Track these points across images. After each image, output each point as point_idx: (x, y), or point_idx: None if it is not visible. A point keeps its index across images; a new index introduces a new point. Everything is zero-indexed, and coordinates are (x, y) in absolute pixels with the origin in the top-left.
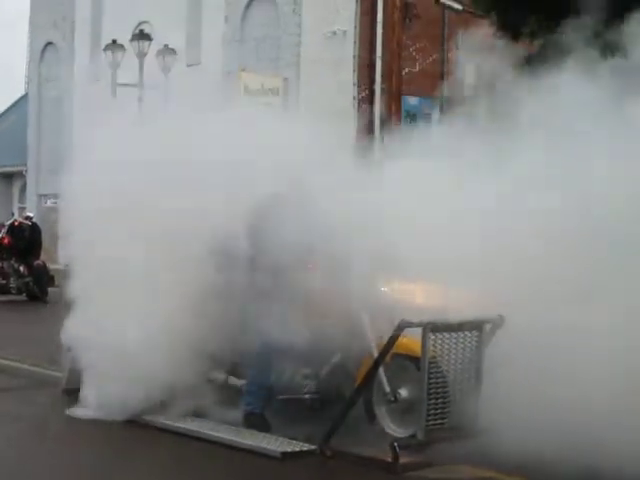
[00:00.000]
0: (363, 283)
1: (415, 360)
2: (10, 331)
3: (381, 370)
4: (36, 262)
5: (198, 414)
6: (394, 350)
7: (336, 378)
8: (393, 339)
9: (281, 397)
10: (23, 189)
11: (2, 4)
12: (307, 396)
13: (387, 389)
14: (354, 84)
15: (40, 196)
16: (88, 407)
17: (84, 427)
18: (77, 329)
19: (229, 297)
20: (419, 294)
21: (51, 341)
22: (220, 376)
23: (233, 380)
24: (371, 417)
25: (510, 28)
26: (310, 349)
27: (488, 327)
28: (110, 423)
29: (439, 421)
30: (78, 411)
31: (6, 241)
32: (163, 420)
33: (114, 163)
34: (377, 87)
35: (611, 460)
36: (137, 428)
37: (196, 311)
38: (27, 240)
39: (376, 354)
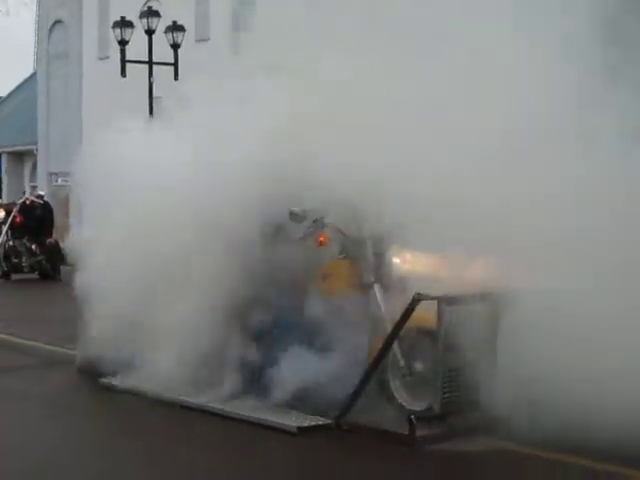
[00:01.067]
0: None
1: (428, 333)
2: (23, 310)
3: (395, 344)
4: (48, 240)
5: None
6: (407, 323)
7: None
8: (408, 312)
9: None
10: (34, 168)
11: None
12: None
13: (402, 363)
14: None
15: (51, 174)
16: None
17: (101, 405)
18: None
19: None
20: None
21: (65, 319)
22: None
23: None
24: (386, 391)
25: None
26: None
27: (502, 299)
28: (129, 399)
29: (455, 393)
30: (115, 381)
31: (18, 220)
32: (181, 397)
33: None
34: None
35: (624, 433)
36: (154, 405)
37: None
38: (39, 219)
39: (389, 328)
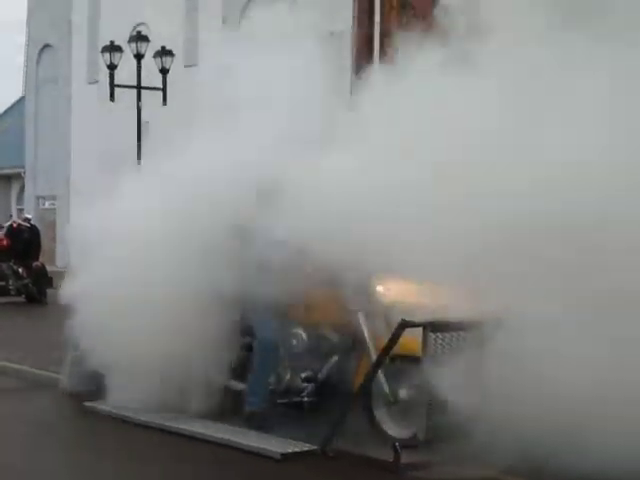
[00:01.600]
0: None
1: (413, 360)
2: (9, 333)
3: (380, 371)
4: (35, 264)
5: (200, 415)
6: (393, 350)
7: (335, 380)
8: (394, 338)
9: (280, 401)
10: (21, 191)
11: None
12: (306, 399)
13: (387, 390)
14: (351, 84)
15: (38, 198)
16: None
17: (84, 427)
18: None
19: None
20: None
21: (50, 343)
22: (220, 379)
23: (233, 383)
24: (371, 419)
25: None
26: (308, 350)
27: (488, 326)
28: (114, 423)
29: (440, 421)
30: (99, 404)
31: (5, 243)
32: (163, 421)
33: None
34: None
35: (611, 461)
36: (137, 429)
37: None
38: (26, 242)
39: (374, 355)
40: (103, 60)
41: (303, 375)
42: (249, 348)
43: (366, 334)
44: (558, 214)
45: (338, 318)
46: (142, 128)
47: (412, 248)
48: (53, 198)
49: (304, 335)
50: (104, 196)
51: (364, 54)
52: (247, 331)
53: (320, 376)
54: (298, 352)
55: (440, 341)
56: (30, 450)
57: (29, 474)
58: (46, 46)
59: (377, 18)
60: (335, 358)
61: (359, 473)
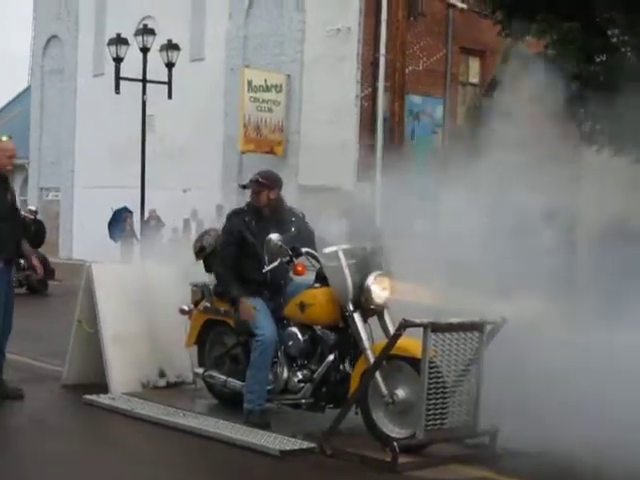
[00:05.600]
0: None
1: (410, 361)
2: None
3: (377, 372)
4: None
5: (199, 411)
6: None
7: (331, 380)
8: (394, 339)
9: (277, 402)
10: (25, 182)
11: None
12: (303, 400)
13: (384, 391)
14: (357, 82)
15: (42, 189)
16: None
17: (84, 421)
18: None
19: None
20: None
21: (52, 335)
22: (219, 376)
23: (232, 381)
24: (368, 419)
25: (516, 27)
26: (304, 349)
27: (489, 328)
28: (110, 416)
29: (439, 421)
30: (98, 398)
31: None
32: (162, 415)
33: None
34: (380, 85)
35: (611, 461)
36: (137, 423)
37: None
38: (32, 234)
39: (371, 355)
40: (109, 53)
41: (300, 375)
42: (247, 346)
43: (362, 334)
44: None
45: (334, 318)
46: (147, 121)
47: None
48: (57, 190)
49: (300, 335)
50: None
51: (371, 49)
52: (244, 329)
53: (316, 376)
54: (294, 351)
55: (440, 342)
56: (27, 442)
57: (25, 465)
58: (52, 37)
59: (384, 15)
60: (331, 358)
61: (357, 472)
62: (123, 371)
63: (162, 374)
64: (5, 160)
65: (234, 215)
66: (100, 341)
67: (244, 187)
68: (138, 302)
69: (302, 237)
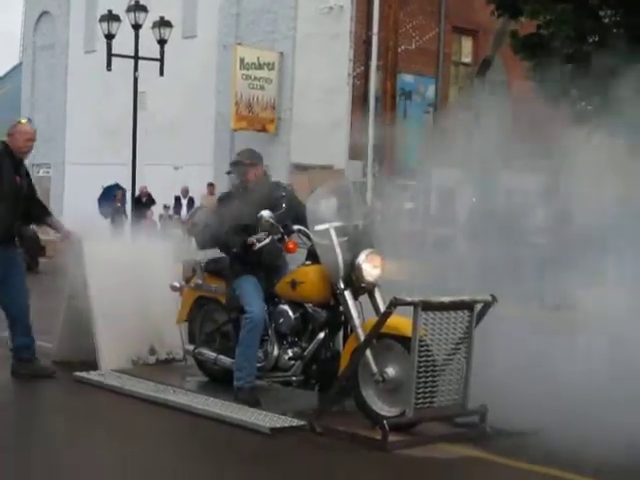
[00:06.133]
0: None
1: (401, 339)
2: None
3: (367, 350)
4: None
5: (189, 389)
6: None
7: (321, 358)
8: (385, 317)
9: (267, 379)
10: None
11: None
12: (294, 378)
13: (374, 369)
14: (350, 60)
15: (33, 165)
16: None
17: (74, 397)
18: None
19: None
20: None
21: (41, 311)
22: (209, 353)
23: (222, 359)
24: (359, 397)
25: (509, 7)
26: (294, 327)
27: (479, 307)
28: (100, 393)
29: (428, 400)
30: (88, 374)
31: None
32: (152, 393)
33: None
34: (373, 64)
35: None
36: (127, 400)
37: None
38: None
39: (361, 333)
40: (101, 29)
41: (290, 352)
42: (237, 323)
43: (353, 312)
44: None
45: (325, 295)
46: (138, 98)
47: None
48: (48, 166)
49: (291, 312)
50: None
51: (363, 27)
52: (234, 306)
53: (307, 353)
54: (285, 329)
55: (431, 320)
56: (15, 418)
57: (11, 441)
58: (44, 13)
59: None
60: (322, 335)
61: (347, 450)
62: (113, 348)
63: (152, 351)
64: (22, 143)
65: (225, 198)
66: (90, 318)
67: (229, 173)
68: (129, 279)
69: (292, 212)
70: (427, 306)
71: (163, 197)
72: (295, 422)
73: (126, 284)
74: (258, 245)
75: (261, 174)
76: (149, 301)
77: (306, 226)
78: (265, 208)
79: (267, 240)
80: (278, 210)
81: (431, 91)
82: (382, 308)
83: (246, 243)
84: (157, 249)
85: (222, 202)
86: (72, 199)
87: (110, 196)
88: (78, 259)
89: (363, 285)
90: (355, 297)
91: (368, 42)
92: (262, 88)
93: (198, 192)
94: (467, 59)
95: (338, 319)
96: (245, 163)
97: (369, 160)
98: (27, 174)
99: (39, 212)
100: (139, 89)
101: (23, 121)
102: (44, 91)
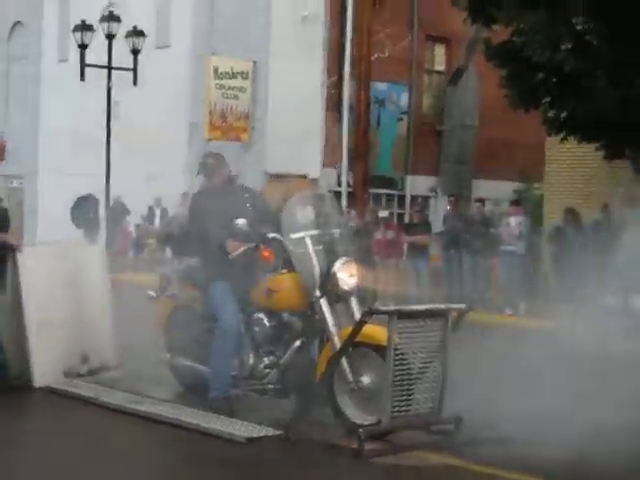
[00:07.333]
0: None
1: (376, 348)
2: None
3: (343, 359)
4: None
5: (163, 398)
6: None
7: (297, 366)
8: (360, 325)
9: (243, 387)
10: None
11: None
12: (270, 386)
13: (350, 378)
14: (323, 69)
15: (5, 176)
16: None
17: (48, 409)
18: None
19: None
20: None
21: None
22: (185, 362)
23: (198, 368)
24: (334, 405)
25: (483, 14)
26: (270, 335)
27: (454, 315)
28: (71, 403)
29: (404, 408)
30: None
31: None
32: (127, 404)
33: None
34: (346, 72)
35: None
36: (102, 411)
37: None
38: None
39: (337, 342)
40: (74, 39)
41: (266, 361)
42: (213, 332)
43: (329, 321)
44: None
45: (301, 304)
46: (112, 108)
47: None
48: (21, 177)
49: (266, 320)
50: None
51: (337, 36)
52: (208, 315)
53: (283, 362)
54: (260, 337)
55: (406, 329)
56: None
57: None
58: (17, 23)
59: (350, 2)
60: (298, 344)
61: (323, 459)
62: (46, 360)
63: (85, 360)
64: None
65: (198, 196)
66: (24, 329)
67: (198, 173)
68: (64, 285)
69: (260, 215)
70: (402, 315)
71: (137, 207)
72: (271, 431)
73: (58, 292)
74: (233, 254)
75: (227, 175)
76: (83, 308)
77: (277, 230)
78: (231, 208)
79: (242, 249)
80: (244, 210)
81: (404, 99)
82: (358, 316)
83: (222, 247)
84: (91, 253)
85: (194, 201)
86: (46, 210)
87: (84, 206)
88: (14, 271)
89: (339, 293)
90: (331, 305)
91: (341, 51)
92: (236, 97)
93: (171, 202)
94: (440, 67)
95: (314, 327)
96: (212, 164)
97: (343, 169)
98: None
99: None
100: (113, 99)
101: None
102: (17, 101)
